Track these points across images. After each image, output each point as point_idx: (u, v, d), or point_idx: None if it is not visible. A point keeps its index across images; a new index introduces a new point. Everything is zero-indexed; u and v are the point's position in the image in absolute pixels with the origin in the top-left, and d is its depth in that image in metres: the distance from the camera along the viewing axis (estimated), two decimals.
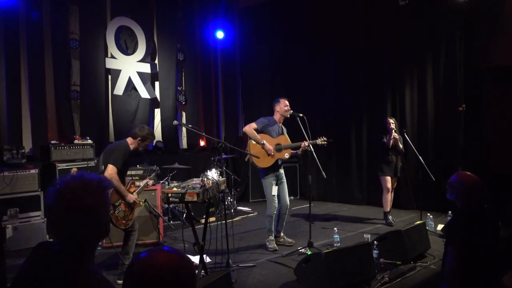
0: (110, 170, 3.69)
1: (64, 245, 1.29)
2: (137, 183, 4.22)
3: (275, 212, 4.81)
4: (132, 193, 3.99)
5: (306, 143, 4.64)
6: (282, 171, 4.96)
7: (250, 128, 4.80)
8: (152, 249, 1.15)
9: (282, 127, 4.97)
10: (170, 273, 1.09)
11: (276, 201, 4.80)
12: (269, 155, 4.72)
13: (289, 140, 4.89)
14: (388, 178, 5.76)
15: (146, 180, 4.32)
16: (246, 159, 4.93)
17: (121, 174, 3.85)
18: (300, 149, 4.76)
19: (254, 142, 4.76)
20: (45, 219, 5.16)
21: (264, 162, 4.73)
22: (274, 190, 4.78)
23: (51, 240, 4.99)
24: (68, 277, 1.24)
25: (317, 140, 4.87)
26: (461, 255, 2.38)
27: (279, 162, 4.89)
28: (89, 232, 1.29)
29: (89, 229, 1.29)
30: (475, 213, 2.52)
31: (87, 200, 1.27)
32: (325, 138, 4.90)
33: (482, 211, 2.54)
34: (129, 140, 3.97)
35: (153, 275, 1.08)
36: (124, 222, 3.86)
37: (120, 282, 3.75)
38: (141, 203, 4.15)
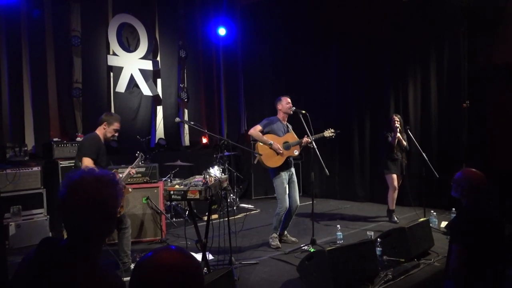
0: (86, 162, 3.59)
1: (73, 239, 1.31)
2: (120, 174, 4.08)
3: (285, 211, 4.77)
4: None
5: (306, 139, 4.62)
6: (293, 170, 4.91)
7: (255, 131, 4.77)
8: (158, 249, 1.14)
9: (287, 125, 4.93)
10: (177, 273, 1.08)
11: (287, 201, 4.75)
12: (278, 154, 4.70)
13: (296, 137, 4.85)
14: (394, 176, 5.73)
15: (128, 169, 4.13)
16: (255, 162, 4.88)
17: (100, 166, 3.72)
18: (304, 141, 4.70)
19: (262, 144, 4.73)
20: (48, 216, 5.18)
21: (273, 162, 4.70)
22: (286, 189, 4.75)
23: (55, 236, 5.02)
24: (76, 271, 1.24)
25: (324, 133, 4.84)
26: (466, 253, 2.36)
27: (290, 161, 4.83)
28: (100, 225, 1.32)
29: (100, 222, 1.32)
30: (480, 210, 2.50)
31: (101, 193, 1.31)
32: (332, 130, 4.87)
33: (487, 208, 2.52)
34: (98, 130, 3.89)
35: (160, 275, 1.06)
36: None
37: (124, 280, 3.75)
38: (129, 189, 4.05)
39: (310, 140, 4.61)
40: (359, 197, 7.52)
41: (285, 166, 4.76)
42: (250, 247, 4.87)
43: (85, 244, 1.31)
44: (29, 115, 6.05)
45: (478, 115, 6.03)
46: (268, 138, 4.73)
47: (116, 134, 3.98)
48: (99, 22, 6.91)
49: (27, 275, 1.32)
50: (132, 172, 4.17)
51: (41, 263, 1.31)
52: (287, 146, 4.74)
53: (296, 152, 4.77)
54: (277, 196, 4.78)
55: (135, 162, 4.22)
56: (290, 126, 4.97)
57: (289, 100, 4.85)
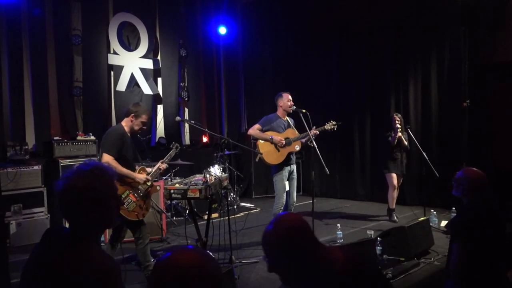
0: (105, 158, 3.38)
1: (73, 227, 1.41)
2: (148, 169, 3.77)
3: (281, 208, 4.78)
4: None
5: (315, 131, 4.61)
6: (294, 167, 4.91)
7: (254, 130, 4.77)
8: (177, 249, 1.16)
9: (287, 120, 4.92)
10: (197, 273, 1.08)
11: (285, 198, 4.76)
12: (279, 150, 4.70)
13: (296, 132, 4.84)
14: (394, 175, 5.74)
15: (158, 164, 3.83)
16: (257, 160, 4.88)
17: (126, 160, 3.52)
18: (308, 138, 4.65)
19: (262, 142, 4.73)
20: (49, 215, 5.19)
21: (275, 158, 4.70)
22: (286, 185, 4.75)
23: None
24: (72, 256, 1.32)
25: (325, 126, 4.83)
26: (467, 252, 2.36)
27: (292, 157, 4.84)
28: (96, 214, 1.40)
29: (96, 211, 1.40)
30: (481, 209, 2.50)
31: (96, 184, 1.40)
32: (334, 122, 4.86)
33: (488, 207, 2.52)
34: (124, 121, 3.63)
35: (180, 275, 1.07)
36: (136, 213, 3.49)
37: None
38: (157, 187, 3.73)
39: (318, 132, 4.62)
40: (360, 196, 7.53)
41: (286, 162, 4.76)
42: (250, 245, 4.87)
43: (84, 231, 1.40)
44: (29, 114, 6.05)
45: (479, 114, 6.02)
46: (268, 135, 4.73)
47: (144, 127, 3.74)
48: (100, 21, 6.90)
49: (31, 261, 1.42)
50: (162, 167, 3.86)
51: (43, 250, 1.41)
52: (288, 142, 4.74)
53: (298, 148, 4.77)
54: (275, 191, 4.80)
55: (166, 156, 3.93)
56: (292, 122, 4.95)
57: (290, 97, 4.84)
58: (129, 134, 3.62)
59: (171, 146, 3.98)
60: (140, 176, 3.54)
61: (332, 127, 4.85)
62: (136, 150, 3.74)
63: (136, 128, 3.62)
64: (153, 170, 3.73)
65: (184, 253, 1.13)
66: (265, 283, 3.74)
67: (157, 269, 1.12)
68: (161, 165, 3.84)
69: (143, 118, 3.62)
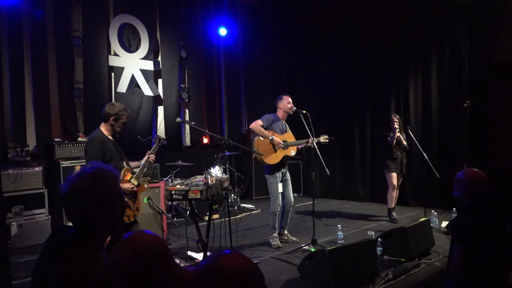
0: None
1: (77, 229, 1.43)
2: (135, 163, 3.72)
3: (279, 209, 4.81)
4: (129, 180, 3.50)
5: (311, 140, 4.64)
6: (286, 168, 4.95)
7: (256, 125, 4.79)
8: (215, 254, 1.14)
9: (285, 124, 4.96)
10: (244, 275, 1.08)
11: (280, 198, 4.80)
12: (276, 151, 4.71)
13: (293, 137, 4.89)
14: (394, 175, 5.75)
15: (146, 156, 3.66)
16: (253, 156, 4.92)
17: (114, 165, 3.33)
18: (305, 145, 4.75)
19: (262, 139, 4.75)
20: (50, 216, 5.20)
21: (270, 159, 4.73)
22: (280, 187, 4.78)
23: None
24: (73, 256, 1.34)
25: (320, 138, 4.88)
26: (468, 252, 2.36)
27: (285, 160, 4.87)
28: (98, 217, 1.41)
29: (99, 213, 1.40)
30: (482, 210, 2.50)
31: (98, 187, 1.40)
32: (327, 136, 4.93)
33: (488, 208, 2.53)
34: (102, 126, 3.48)
35: (227, 280, 1.07)
36: (127, 216, 3.42)
37: None
38: (145, 185, 3.67)
39: (313, 144, 4.64)
40: (360, 196, 7.53)
41: (280, 165, 4.79)
42: (251, 246, 4.88)
43: (87, 234, 1.41)
44: (30, 115, 6.07)
45: (479, 114, 6.03)
46: (269, 133, 4.75)
47: (125, 126, 3.56)
48: (100, 22, 6.92)
49: (39, 260, 1.44)
50: (152, 158, 3.69)
51: (48, 250, 1.43)
52: (285, 145, 4.77)
53: (293, 153, 4.81)
54: (270, 193, 4.83)
55: (153, 147, 3.77)
56: (287, 126, 5.00)
57: (290, 99, 4.87)
58: (111, 138, 3.49)
59: (154, 140, 3.86)
60: (125, 186, 3.42)
61: (325, 140, 4.92)
62: (122, 151, 3.60)
63: (118, 129, 3.50)
64: (139, 169, 3.61)
65: (227, 257, 1.11)
66: (266, 283, 3.74)
67: (202, 275, 1.09)
68: (151, 156, 3.69)
69: (123, 118, 3.48)
